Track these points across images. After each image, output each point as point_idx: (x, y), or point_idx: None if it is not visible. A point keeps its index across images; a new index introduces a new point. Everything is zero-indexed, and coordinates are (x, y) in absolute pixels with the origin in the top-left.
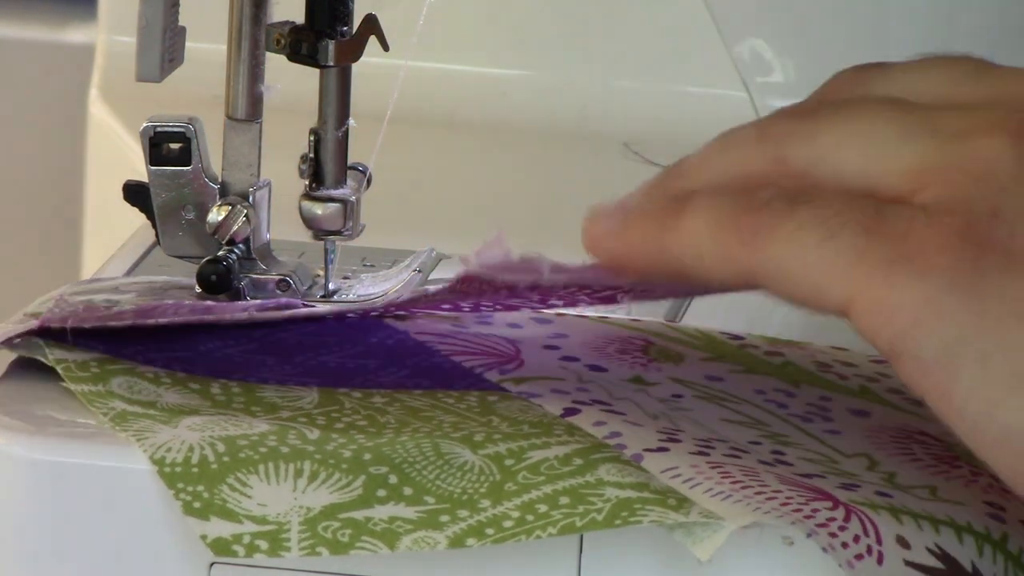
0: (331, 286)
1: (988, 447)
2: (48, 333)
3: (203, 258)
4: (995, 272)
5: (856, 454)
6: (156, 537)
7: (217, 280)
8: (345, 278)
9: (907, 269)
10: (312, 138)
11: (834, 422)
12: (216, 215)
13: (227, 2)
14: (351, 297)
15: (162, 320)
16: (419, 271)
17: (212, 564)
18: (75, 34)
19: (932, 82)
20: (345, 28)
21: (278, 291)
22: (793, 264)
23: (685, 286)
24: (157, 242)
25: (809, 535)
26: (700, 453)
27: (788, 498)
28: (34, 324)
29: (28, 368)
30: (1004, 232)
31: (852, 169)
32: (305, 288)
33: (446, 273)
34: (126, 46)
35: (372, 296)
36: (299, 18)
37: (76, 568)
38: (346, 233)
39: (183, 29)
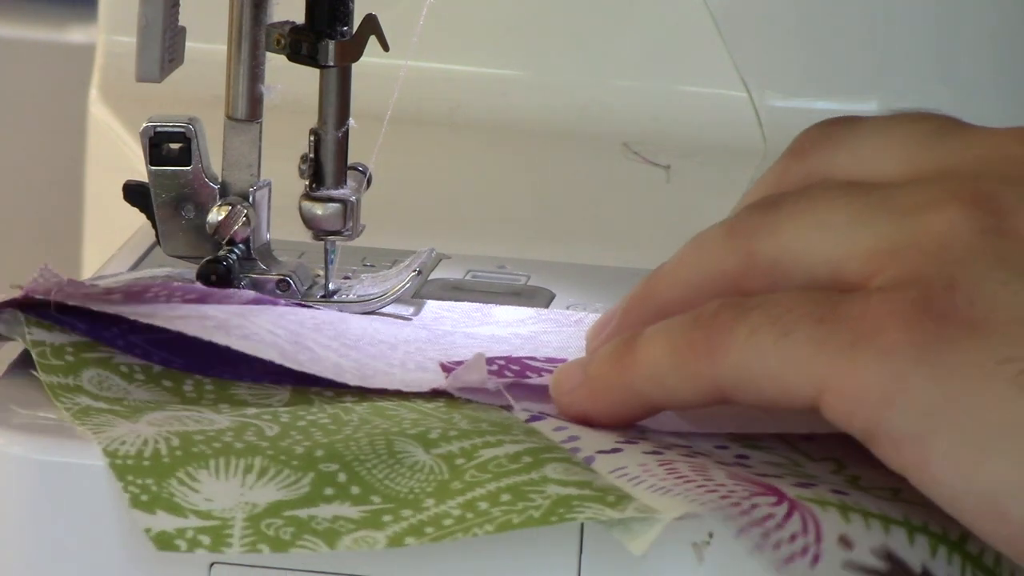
0: (331, 286)
1: (969, 514)
2: (31, 308)
3: (203, 258)
4: (956, 341)
5: (825, 458)
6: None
7: (217, 280)
8: (345, 278)
9: (870, 349)
10: (312, 138)
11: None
12: (216, 215)
13: (227, 2)
14: (351, 297)
15: (147, 308)
16: (419, 271)
17: (212, 564)
18: (75, 34)
19: (894, 147)
20: (345, 28)
21: (278, 291)
22: (754, 368)
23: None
24: (157, 242)
25: (739, 533)
26: (654, 453)
27: (731, 491)
28: (18, 295)
29: (28, 368)
30: (963, 301)
31: (816, 258)
32: (305, 288)
33: (446, 273)
34: (126, 46)
35: (372, 296)
36: (299, 18)
37: (76, 568)
38: (346, 233)
39: (183, 29)
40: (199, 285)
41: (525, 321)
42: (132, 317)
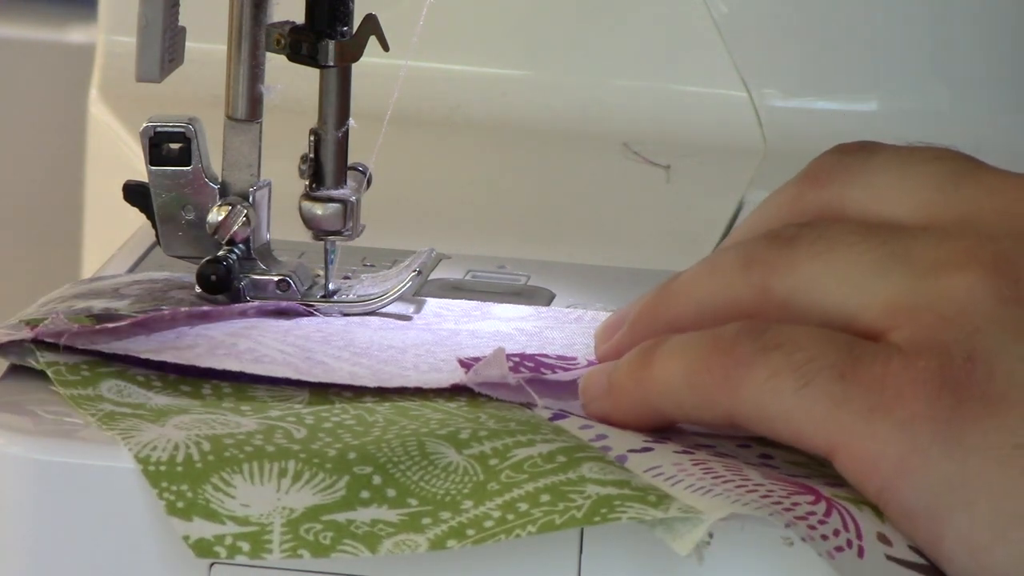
0: (331, 286)
1: None
2: (38, 340)
3: (203, 258)
4: (974, 418)
5: None
6: (156, 537)
7: (217, 280)
8: (345, 278)
9: (888, 418)
10: (312, 138)
11: None
12: (216, 215)
13: (227, 2)
14: (351, 297)
15: (155, 342)
16: (419, 271)
17: (212, 564)
18: (75, 34)
19: (911, 187)
20: (345, 28)
21: (278, 291)
22: (771, 411)
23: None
24: (157, 242)
25: (787, 525)
26: (685, 452)
27: (769, 491)
28: (28, 335)
29: (28, 368)
30: (981, 375)
31: (831, 304)
32: (305, 288)
33: (446, 273)
34: (126, 46)
35: (372, 296)
36: (299, 18)
37: (76, 568)
38: (346, 233)
39: (183, 29)
40: (205, 308)
41: (527, 318)
42: (143, 356)
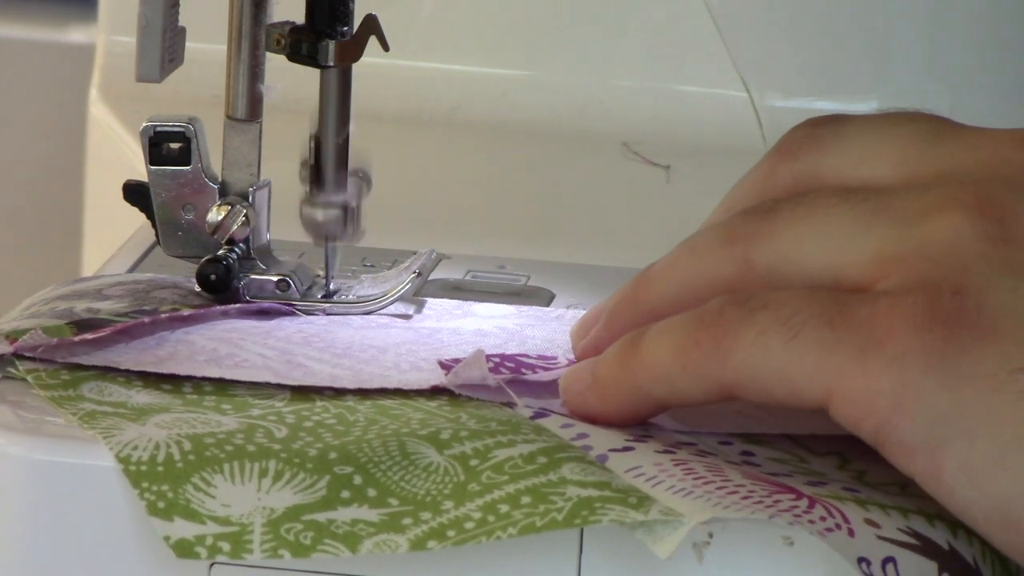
0: (331, 286)
1: (983, 523)
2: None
3: (203, 258)
4: (967, 349)
5: (828, 453)
6: (156, 537)
7: (217, 280)
8: (345, 278)
9: (880, 355)
10: (312, 144)
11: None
12: (216, 215)
13: (227, 2)
14: (351, 298)
15: (134, 351)
16: (419, 272)
17: (212, 564)
18: (75, 34)
19: (887, 149)
20: (345, 28)
21: (278, 291)
22: (763, 369)
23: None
24: (157, 242)
25: (771, 518)
26: (666, 452)
27: (750, 491)
28: (8, 350)
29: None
30: (971, 307)
31: (816, 264)
32: (305, 288)
33: (446, 273)
34: (126, 46)
35: (371, 297)
36: (299, 18)
37: (75, 568)
38: (346, 239)
39: (183, 29)
40: (185, 312)
41: (508, 316)
42: (123, 367)
